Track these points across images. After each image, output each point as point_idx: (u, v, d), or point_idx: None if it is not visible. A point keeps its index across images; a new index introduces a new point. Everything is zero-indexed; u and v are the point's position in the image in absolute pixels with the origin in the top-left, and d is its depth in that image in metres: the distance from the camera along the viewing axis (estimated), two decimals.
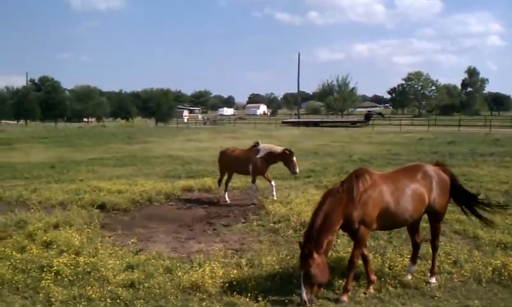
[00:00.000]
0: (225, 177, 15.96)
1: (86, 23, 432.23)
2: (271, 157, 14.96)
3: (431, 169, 8.25)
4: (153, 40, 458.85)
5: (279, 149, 15.00)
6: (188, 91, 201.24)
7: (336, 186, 7.57)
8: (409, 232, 8.67)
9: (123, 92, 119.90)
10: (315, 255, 6.89)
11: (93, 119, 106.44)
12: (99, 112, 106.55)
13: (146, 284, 7.79)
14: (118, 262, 8.76)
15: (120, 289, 7.59)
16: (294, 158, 14.79)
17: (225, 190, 15.63)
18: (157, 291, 7.62)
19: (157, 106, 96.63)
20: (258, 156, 14.94)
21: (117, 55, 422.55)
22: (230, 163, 15.76)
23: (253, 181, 15.31)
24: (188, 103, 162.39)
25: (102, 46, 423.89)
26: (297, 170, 15.03)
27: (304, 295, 6.91)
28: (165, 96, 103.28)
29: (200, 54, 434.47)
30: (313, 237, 7.00)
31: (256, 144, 15.41)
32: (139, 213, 13.80)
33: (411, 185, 7.81)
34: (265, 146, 15.22)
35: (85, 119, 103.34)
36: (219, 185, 16.00)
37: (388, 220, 7.62)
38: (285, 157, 14.79)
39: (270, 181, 15.19)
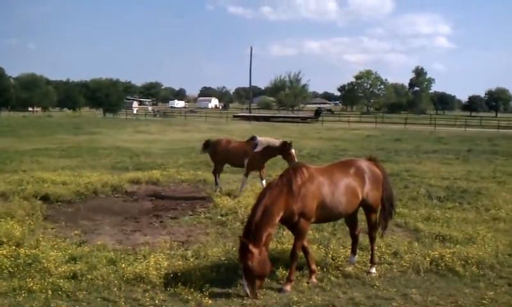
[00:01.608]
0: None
1: (34, 9, 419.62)
2: (270, 151, 14.46)
3: (364, 164, 8.50)
4: (103, 29, 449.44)
5: (277, 142, 14.46)
6: (138, 82, 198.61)
7: (275, 180, 7.67)
8: (347, 224, 8.94)
9: (70, 81, 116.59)
10: (254, 249, 6.96)
11: (39, 109, 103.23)
12: (45, 102, 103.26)
13: (89, 276, 7.69)
14: (60, 254, 8.57)
15: (62, 281, 7.46)
16: (293, 150, 14.23)
17: (216, 183, 15.39)
18: (100, 282, 7.54)
19: (106, 96, 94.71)
20: (256, 150, 14.49)
21: (65, 43, 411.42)
22: (225, 154, 15.23)
23: (246, 174, 14.92)
24: (138, 94, 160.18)
25: (50, 33, 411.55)
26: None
27: (246, 288, 7.03)
28: (114, 86, 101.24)
29: (151, 45, 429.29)
30: (252, 231, 7.06)
31: (254, 138, 14.95)
32: (84, 205, 13.52)
33: (345, 179, 8.02)
34: (262, 140, 14.70)
35: (30, 109, 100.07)
36: (215, 177, 15.56)
37: (325, 212, 7.78)
38: (284, 150, 14.20)
39: (262, 179, 14.69)
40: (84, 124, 53.57)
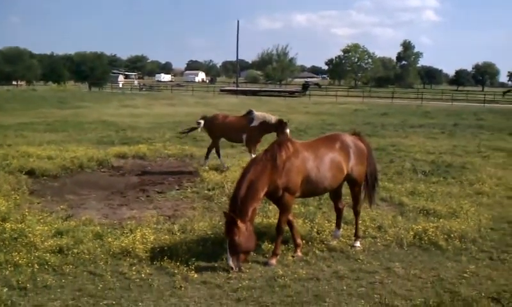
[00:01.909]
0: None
1: None
2: (265, 127, 14.30)
3: (348, 138, 8.55)
4: (87, 1, 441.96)
5: (273, 119, 14.30)
6: (124, 55, 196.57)
7: (260, 155, 7.70)
8: (331, 199, 9.03)
9: (54, 55, 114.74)
10: (240, 223, 7.02)
11: (23, 83, 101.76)
12: (29, 75, 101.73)
13: (75, 250, 7.70)
14: (46, 228, 8.57)
15: (48, 255, 7.48)
16: (288, 130, 14.01)
17: (206, 157, 15.19)
18: (87, 256, 7.56)
19: (91, 70, 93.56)
20: (252, 125, 14.31)
21: (49, 15, 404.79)
22: (222, 130, 14.98)
23: (251, 151, 14.53)
24: (124, 68, 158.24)
25: (33, 5, 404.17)
26: None
27: (230, 262, 7.08)
28: (99, 60, 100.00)
29: (136, 17, 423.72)
30: (238, 205, 7.10)
31: (250, 112, 14.76)
32: (70, 179, 13.48)
33: (330, 154, 8.07)
34: (258, 114, 14.51)
35: (14, 83, 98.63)
36: (207, 152, 15.32)
37: (309, 187, 7.83)
38: (279, 128, 13.99)
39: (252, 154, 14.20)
40: (69, 98, 52.99)
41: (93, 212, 10.41)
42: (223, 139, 15.54)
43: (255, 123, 14.32)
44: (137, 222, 9.35)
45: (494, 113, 43.25)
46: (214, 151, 15.19)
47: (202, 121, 15.47)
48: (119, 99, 53.99)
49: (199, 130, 15.94)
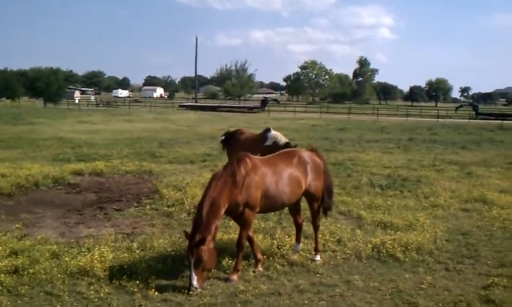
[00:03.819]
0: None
1: None
2: (276, 147, 13.07)
3: (305, 154, 8.66)
4: (44, 16, 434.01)
5: (283, 140, 13.56)
6: (80, 71, 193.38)
7: (219, 171, 7.67)
8: (291, 214, 9.12)
9: (8, 70, 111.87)
10: (208, 242, 6.99)
11: None
12: None
13: (31, 270, 7.50)
14: (0, 248, 8.34)
15: (3, 275, 7.25)
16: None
17: None
18: (43, 276, 7.37)
19: (46, 86, 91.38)
20: (265, 144, 13.50)
21: (2, 30, 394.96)
22: (238, 147, 13.66)
23: None
24: (80, 83, 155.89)
25: None
26: None
27: (195, 282, 6.97)
28: (55, 75, 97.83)
29: (92, 33, 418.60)
30: (203, 223, 7.05)
31: (267, 130, 14.04)
32: (25, 198, 13.12)
33: (288, 170, 8.14)
34: (273, 134, 13.76)
35: None
36: None
37: (268, 202, 7.86)
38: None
39: None
40: (24, 114, 51.61)
41: (49, 230, 10.16)
42: None
43: (269, 143, 13.56)
44: (95, 241, 9.17)
45: (447, 128, 44.49)
46: None
47: (223, 137, 15.03)
48: (75, 115, 53.00)
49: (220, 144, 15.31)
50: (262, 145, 13.43)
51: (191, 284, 6.97)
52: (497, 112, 76.08)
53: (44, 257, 8.06)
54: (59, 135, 30.06)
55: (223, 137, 15.09)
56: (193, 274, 6.97)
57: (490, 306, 6.74)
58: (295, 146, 12.55)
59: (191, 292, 6.91)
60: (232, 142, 14.66)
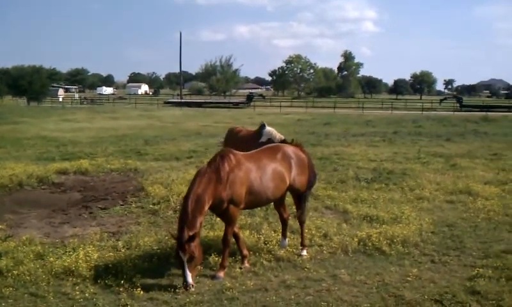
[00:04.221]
0: None
1: None
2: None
3: (290, 149, 8.65)
4: (26, 14, 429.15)
5: (277, 137, 13.11)
6: (64, 68, 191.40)
7: (203, 168, 7.61)
8: (276, 209, 9.12)
9: None
10: (197, 238, 6.97)
11: None
12: None
13: (15, 272, 7.45)
14: None
15: None
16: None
17: None
18: (27, 278, 7.32)
19: (29, 84, 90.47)
20: (260, 140, 13.07)
21: None
22: (234, 144, 13.32)
23: None
24: (64, 81, 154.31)
25: None
26: None
27: (190, 279, 6.93)
28: (38, 73, 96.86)
29: (76, 30, 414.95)
30: (189, 220, 7.00)
31: (262, 126, 13.74)
32: (9, 198, 12.98)
33: (272, 165, 8.12)
34: (267, 130, 13.39)
35: None
36: None
37: (253, 198, 7.84)
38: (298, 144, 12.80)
39: None
40: (7, 113, 51.01)
41: (34, 231, 10.06)
42: None
43: (263, 139, 13.17)
44: (80, 240, 9.10)
45: (432, 120, 44.79)
46: None
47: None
48: (59, 113, 52.48)
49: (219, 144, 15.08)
50: (257, 142, 13.10)
51: (186, 282, 6.93)
52: (481, 104, 76.88)
53: (28, 258, 7.99)
54: (43, 134, 29.78)
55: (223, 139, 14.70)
56: (187, 272, 6.93)
57: (475, 297, 6.79)
58: (291, 142, 12.43)
59: (188, 289, 6.88)
60: (230, 140, 14.46)
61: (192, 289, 6.91)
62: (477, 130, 33.75)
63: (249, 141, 13.12)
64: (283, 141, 12.33)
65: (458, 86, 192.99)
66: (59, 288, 7.06)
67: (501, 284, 7.15)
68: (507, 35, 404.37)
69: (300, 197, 8.74)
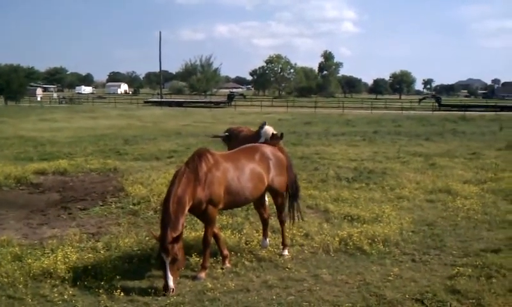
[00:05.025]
0: None
1: None
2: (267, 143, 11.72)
3: (268, 150, 8.61)
4: (2, 11, 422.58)
5: (270, 132, 12.29)
6: (42, 67, 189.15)
7: (182, 168, 7.50)
8: (256, 209, 9.10)
9: None
10: (180, 240, 6.90)
11: None
12: None
13: None
14: None
15: None
16: (281, 143, 11.65)
17: None
18: (5, 280, 7.19)
19: (7, 83, 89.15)
20: (259, 141, 12.02)
21: None
22: (235, 144, 12.58)
23: None
24: (42, 80, 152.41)
25: None
26: None
27: (171, 282, 6.82)
28: (15, 72, 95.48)
29: (54, 28, 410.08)
30: (172, 221, 6.90)
31: (261, 126, 12.83)
32: None
33: (250, 165, 8.08)
34: (265, 130, 12.46)
35: None
36: None
37: (231, 198, 7.78)
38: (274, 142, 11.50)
39: None
40: None
41: (12, 232, 9.90)
42: None
43: (262, 140, 12.28)
44: (59, 241, 8.97)
45: (411, 120, 45.24)
46: None
47: (226, 134, 14.15)
48: (37, 113, 51.84)
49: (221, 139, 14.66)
50: (257, 142, 12.06)
51: (167, 285, 6.80)
52: (459, 104, 77.81)
53: (6, 260, 7.87)
54: (21, 134, 29.38)
55: (227, 134, 14.47)
56: (169, 274, 6.82)
57: (456, 295, 6.82)
58: (280, 135, 12.13)
59: (167, 293, 6.77)
60: (232, 140, 13.78)
61: (173, 292, 6.82)
62: (456, 130, 34.14)
63: (251, 141, 11.97)
64: (273, 135, 12.11)
65: (437, 86, 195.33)
66: (38, 290, 6.93)
67: (481, 283, 7.20)
68: (485, 36, 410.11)
69: (278, 197, 8.65)
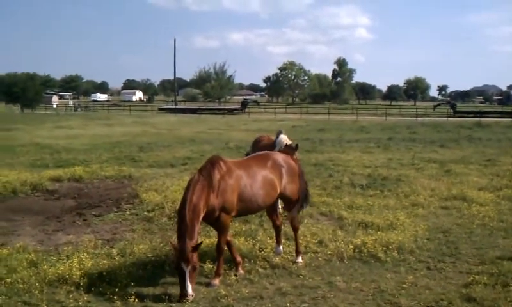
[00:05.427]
0: None
1: None
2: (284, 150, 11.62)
3: (280, 157, 8.64)
4: (20, 20, 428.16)
5: (285, 142, 12.36)
6: (58, 75, 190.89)
7: (196, 175, 7.51)
8: (269, 216, 9.08)
9: None
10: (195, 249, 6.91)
11: None
12: None
13: (8, 279, 7.39)
14: None
15: None
16: (297, 154, 11.59)
17: None
18: (21, 286, 7.25)
19: (23, 91, 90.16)
20: (275, 150, 11.73)
21: None
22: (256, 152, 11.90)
23: None
24: (58, 88, 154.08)
25: None
26: None
27: (190, 290, 6.83)
28: (31, 80, 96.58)
29: (71, 37, 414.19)
30: (188, 230, 6.91)
31: (277, 134, 12.93)
32: (2, 205, 12.91)
33: (262, 172, 8.09)
34: (280, 139, 12.56)
35: None
36: None
37: (243, 205, 7.79)
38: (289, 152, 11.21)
39: None
40: (0, 120, 50.93)
41: (28, 238, 10.00)
42: None
43: (277, 148, 12.14)
44: (74, 248, 9.04)
45: (426, 126, 44.91)
46: None
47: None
48: (53, 120, 52.31)
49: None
50: (272, 150, 11.75)
51: (186, 293, 6.80)
52: (475, 110, 77.04)
53: (22, 266, 7.94)
54: (37, 141, 29.62)
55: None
56: (188, 283, 6.83)
57: (471, 304, 6.76)
58: (295, 146, 12.03)
59: (185, 300, 6.78)
60: (254, 149, 13.34)
61: (191, 299, 6.83)
62: (471, 136, 33.82)
63: (270, 150, 11.75)
64: (287, 146, 12.03)
65: (452, 92, 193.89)
66: (53, 296, 6.99)
67: (497, 291, 7.13)
68: (499, 41, 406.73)
69: (290, 205, 8.68)
